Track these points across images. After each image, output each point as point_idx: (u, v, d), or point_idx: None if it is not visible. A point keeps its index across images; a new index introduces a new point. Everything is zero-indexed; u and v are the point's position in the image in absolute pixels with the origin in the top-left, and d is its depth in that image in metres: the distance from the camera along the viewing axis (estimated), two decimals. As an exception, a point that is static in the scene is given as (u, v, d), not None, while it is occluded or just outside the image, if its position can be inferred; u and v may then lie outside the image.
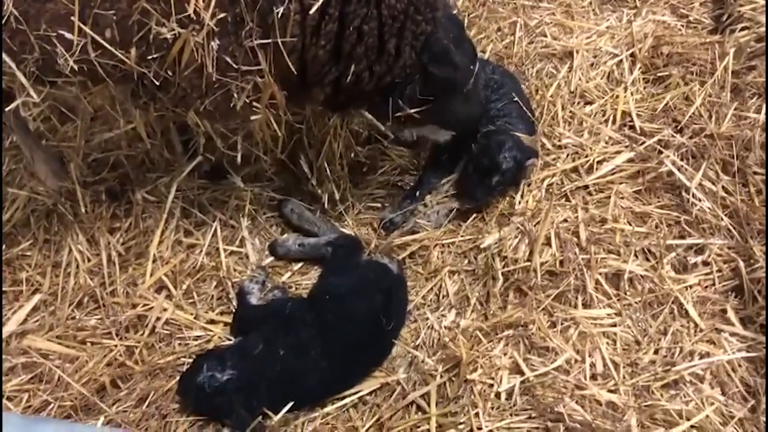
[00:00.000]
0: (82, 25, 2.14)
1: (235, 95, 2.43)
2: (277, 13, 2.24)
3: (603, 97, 3.43)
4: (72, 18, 2.13)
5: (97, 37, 2.17)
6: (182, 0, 2.13)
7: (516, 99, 3.26)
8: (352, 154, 3.34)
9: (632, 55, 3.60)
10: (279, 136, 2.81)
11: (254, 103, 2.51)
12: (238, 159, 3.08)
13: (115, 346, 2.76)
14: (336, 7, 2.29)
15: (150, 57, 2.25)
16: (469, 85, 2.75)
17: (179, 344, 2.79)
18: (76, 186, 3.10)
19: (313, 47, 2.36)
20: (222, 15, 2.21)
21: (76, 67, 2.21)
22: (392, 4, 2.33)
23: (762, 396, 2.44)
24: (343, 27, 2.34)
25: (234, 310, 2.87)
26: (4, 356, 2.67)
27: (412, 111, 2.63)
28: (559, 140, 3.29)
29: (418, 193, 3.20)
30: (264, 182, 3.27)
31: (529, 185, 3.15)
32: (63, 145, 3.27)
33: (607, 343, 2.67)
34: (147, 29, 2.19)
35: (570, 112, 3.39)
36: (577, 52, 3.62)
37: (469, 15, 3.81)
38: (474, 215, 3.13)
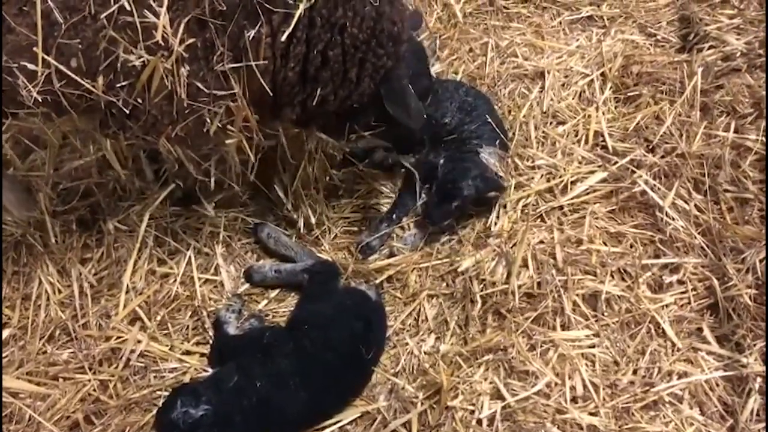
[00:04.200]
0: (45, 56, 2.09)
1: (208, 120, 2.41)
2: (249, 36, 2.23)
3: (575, 117, 3.46)
4: (34, 49, 2.08)
5: (62, 67, 2.13)
6: (150, 27, 2.10)
7: (489, 120, 3.28)
8: (328, 178, 3.32)
9: (603, 74, 3.63)
10: (251, 161, 2.78)
11: (228, 127, 2.49)
12: (211, 185, 3.06)
13: (89, 380, 2.70)
14: (303, 30, 2.30)
15: (118, 85, 2.21)
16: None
17: (154, 377, 2.74)
18: (46, 216, 3.03)
19: (283, 69, 2.37)
20: (191, 41, 2.18)
21: (39, 99, 2.16)
22: (354, 33, 2.35)
23: (740, 415, 2.47)
24: (309, 50, 2.35)
25: (210, 341, 2.82)
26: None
27: (367, 134, 2.73)
28: (533, 161, 3.30)
29: (394, 216, 3.20)
30: (238, 208, 3.24)
31: (504, 207, 3.16)
32: (31, 175, 3.19)
33: (587, 364, 2.68)
34: (114, 57, 2.15)
35: (543, 132, 3.41)
36: (549, 72, 3.64)
37: (440, 36, 3.82)
38: (450, 238, 3.12)
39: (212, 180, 3.05)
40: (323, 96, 2.46)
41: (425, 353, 2.76)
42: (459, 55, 3.78)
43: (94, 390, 2.68)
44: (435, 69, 3.71)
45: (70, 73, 2.15)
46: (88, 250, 3.05)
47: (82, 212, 3.14)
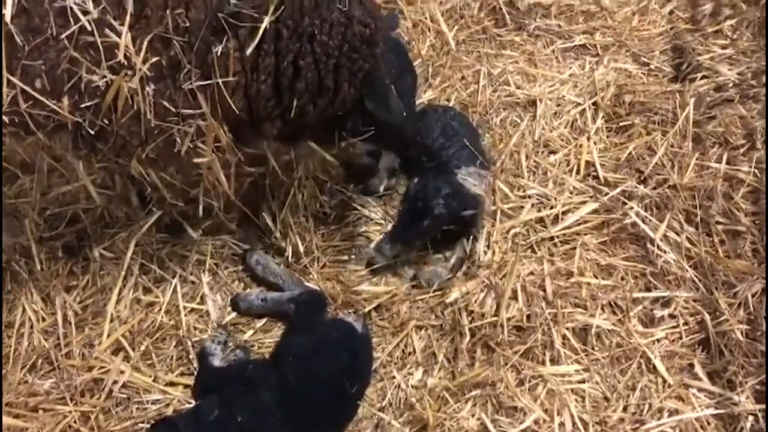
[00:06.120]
0: (11, 77, 2.07)
1: (178, 140, 2.38)
2: (216, 52, 2.21)
3: (567, 147, 3.44)
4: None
5: (27, 88, 2.10)
6: (112, 46, 2.09)
7: (467, 143, 3.25)
8: (318, 205, 3.30)
9: (595, 103, 3.61)
10: (224, 181, 2.73)
11: (199, 147, 2.45)
12: (200, 211, 3.03)
13: (70, 412, 2.65)
14: (270, 43, 2.28)
15: (84, 105, 2.19)
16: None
17: (137, 409, 2.69)
18: (31, 242, 3.00)
19: (254, 83, 2.34)
20: (155, 59, 2.16)
21: (6, 120, 2.15)
22: (324, 41, 2.32)
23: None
24: (279, 62, 2.33)
25: (194, 372, 2.78)
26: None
27: (356, 140, 2.70)
28: (524, 190, 3.28)
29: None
30: (226, 235, 3.20)
31: (492, 236, 3.12)
32: (19, 201, 3.15)
33: (576, 400, 2.65)
34: (78, 77, 2.13)
35: (534, 161, 3.39)
36: (541, 100, 3.63)
37: (433, 64, 3.80)
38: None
39: (200, 207, 3.03)
40: (301, 107, 2.43)
41: (412, 387, 2.72)
42: (451, 82, 3.75)
43: (75, 422, 2.63)
44: (427, 96, 3.70)
45: (35, 93, 2.12)
46: (73, 277, 3.01)
47: (68, 239, 3.09)
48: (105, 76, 2.11)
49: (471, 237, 3.08)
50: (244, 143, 2.71)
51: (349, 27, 2.35)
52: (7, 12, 2.00)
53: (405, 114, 2.60)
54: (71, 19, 2.04)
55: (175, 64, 2.21)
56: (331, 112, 2.52)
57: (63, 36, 2.05)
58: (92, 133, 2.25)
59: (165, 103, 2.24)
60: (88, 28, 2.05)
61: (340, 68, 2.40)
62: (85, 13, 2.04)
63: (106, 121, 2.23)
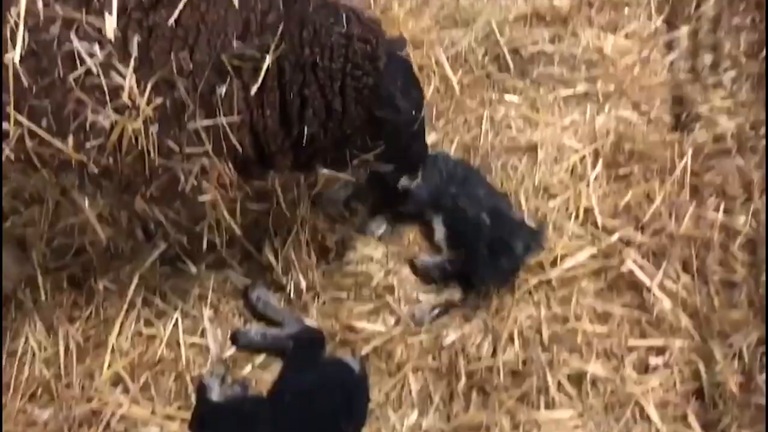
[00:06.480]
0: (18, 116, 2.12)
1: (182, 178, 2.41)
2: (220, 93, 2.26)
3: (566, 192, 3.48)
4: (7, 110, 2.12)
5: (33, 127, 2.16)
6: (117, 88, 2.14)
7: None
8: (320, 242, 3.33)
9: (595, 150, 3.66)
10: (228, 218, 2.75)
11: (204, 184, 2.49)
12: (204, 245, 3.07)
13: (66, 443, 2.69)
14: (273, 79, 2.32)
15: (89, 145, 2.23)
16: (415, 126, 2.78)
17: (133, 441, 2.72)
18: (37, 272, 3.05)
19: (261, 119, 2.37)
20: (159, 100, 2.21)
21: (12, 157, 2.20)
22: (326, 66, 2.34)
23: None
24: (284, 95, 2.36)
25: (192, 406, 2.81)
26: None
27: (367, 156, 2.69)
28: (524, 234, 3.32)
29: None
30: (229, 270, 3.24)
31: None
32: (28, 231, 3.21)
33: (570, 447, 2.66)
34: (83, 118, 2.18)
35: (534, 205, 3.44)
36: (542, 146, 3.67)
37: (437, 107, 3.87)
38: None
39: (205, 241, 3.07)
40: (312, 134, 2.45)
41: (407, 429, 2.74)
42: (454, 126, 3.82)
43: (71, 454, 2.66)
44: (430, 139, 3.75)
45: (41, 132, 2.17)
46: (76, 308, 3.05)
47: (74, 269, 3.14)
48: (109, 116, 2.17)
49: (464, 282, 3.12)
50: (252, 177, 2.76)
51: (350, 46, 2.36)
52: (16, 54, 2.06)
53: (415, 111, 2.63)
54: (78, 61, 2.11)
55: (180, 105, 2.26)
56: (342, 132, 2.53)
57: (70, 78, 2.11)
58: (97, 171, 2.30)
59: (169, 143, 2.29)
60: (94, 70, 2.11)
61: (346, 88, 2.41)
62: (92, 55, 2.11)
63: (111, 160, 2.28)
